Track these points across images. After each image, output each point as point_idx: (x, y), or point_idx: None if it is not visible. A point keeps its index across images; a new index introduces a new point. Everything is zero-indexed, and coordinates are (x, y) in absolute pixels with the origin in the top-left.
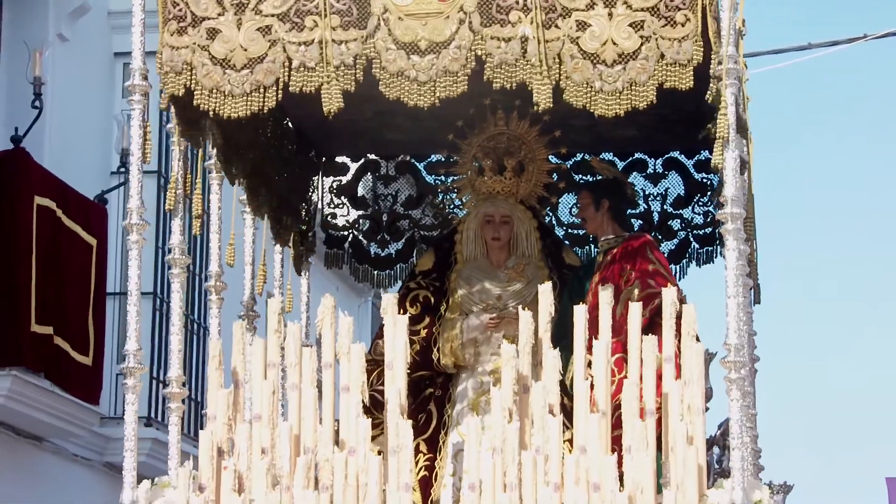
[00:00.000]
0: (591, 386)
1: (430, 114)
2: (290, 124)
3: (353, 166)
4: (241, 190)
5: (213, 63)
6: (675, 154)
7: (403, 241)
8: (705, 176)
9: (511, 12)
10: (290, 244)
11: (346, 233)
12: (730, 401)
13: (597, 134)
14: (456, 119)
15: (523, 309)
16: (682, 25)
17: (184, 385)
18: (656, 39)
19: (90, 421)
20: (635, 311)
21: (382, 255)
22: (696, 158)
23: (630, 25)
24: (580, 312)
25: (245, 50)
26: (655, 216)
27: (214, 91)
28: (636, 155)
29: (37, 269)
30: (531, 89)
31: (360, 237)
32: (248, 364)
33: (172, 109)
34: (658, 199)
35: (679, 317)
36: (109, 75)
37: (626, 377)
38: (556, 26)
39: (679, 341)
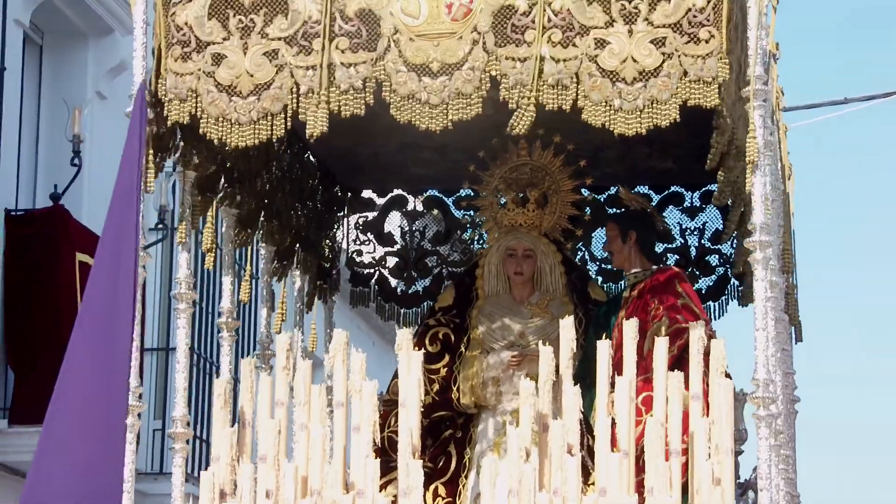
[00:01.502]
0: (614, 424)
1: (457, 146)
2: (311, 158)
3: (380, 202)
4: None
5: (219, 90)
6: (713, 187)
7: (431, 277)
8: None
9: (527, 31)
10: (302, 279)
11: (372, 270)
12: (758, 439)
13: (631, 165)
14: (480, 154)
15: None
16: (707, 42)
17: (188, 425)
18: (679, 56)
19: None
20: (661, 347)
21: (409, 292)
22: None
23: (651, 42)
24: (604, 348)
25: (251, 76)
26: (692, 251)
27: (221, 119)
28: (672, 188)
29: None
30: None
31: (387, 274)
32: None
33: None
34: (695, 233)
35: (708, 353)
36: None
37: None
38: (574, 45)
39: (707, 378)
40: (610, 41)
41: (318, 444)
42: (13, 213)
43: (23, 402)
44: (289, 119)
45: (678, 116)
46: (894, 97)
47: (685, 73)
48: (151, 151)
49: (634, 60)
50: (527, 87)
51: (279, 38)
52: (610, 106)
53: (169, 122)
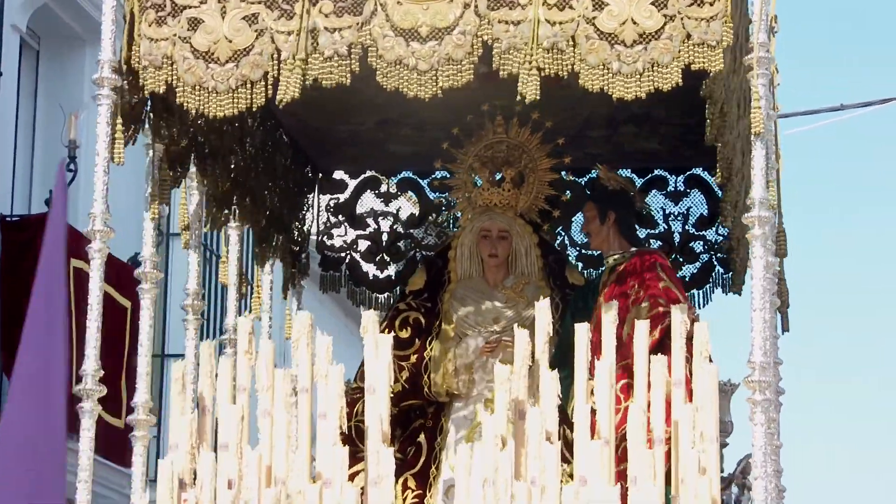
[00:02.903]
0: (594, 412)
1: (438, 123)
2: (284, 136)
3: (352, 183)
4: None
5: (196, 56)
6: (698, 171)
7: (404, 262)
8: None
9: None
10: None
11: (343, 254)
12: (753, 426)
13: (616, 146)
14: (454, 131)
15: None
16: (711, 5)
17: (150, 412)
18: (682, 19)
19: (122, 484)
20: (642, 330)
21: (381, 277)
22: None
23: (652, 4)
24: (582, 331)
25: (230, 41)
26: (676, 237)
27: (198, 87)
28: (656, 171)
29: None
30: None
31: (358, 258)
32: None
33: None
34: (679, 219)
35: (691, 338)
36: (143, 138)
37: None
38: (570, 7)
39: (690, 363)
40: (608, 2)
41: (282, 432)
42: (8, 219)
43: None
44: (269, 87)
45: (681, 80)
46: (891, 103)
47: (688, 36)
48: (121, 122)
49: (634, 22)
50: (521, 52)
51: (259, 2)
52: (608, 69)
53: (145, 92)
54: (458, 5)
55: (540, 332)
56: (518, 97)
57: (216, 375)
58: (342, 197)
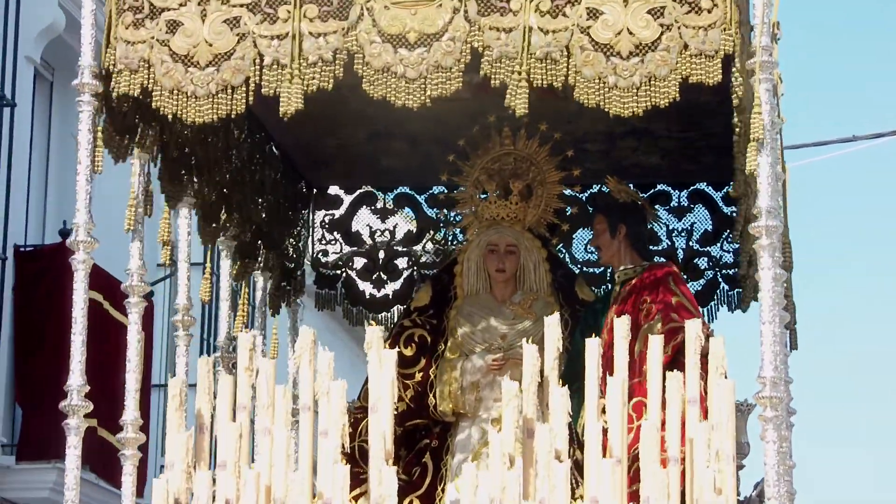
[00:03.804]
0: (605, 430)
1: (431, 137)
2: (274, 150)
3: (347, 199)
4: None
5: (174, 60)
6: (702, 186)
7: (402, 280)
8: (735, 210)
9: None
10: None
11: (338, 271)
12: (765, 444)
13: (615, 160)
14: (460, 143)
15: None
16: (709, 12)
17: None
18: (679, 28)
19: None
20: (655, 346)
21: (378, 295)
22: (724, 190)
23: (648, 13)
24: (593, 346)
25: (210, 45)
26: (680, 253)
27: (176, 92)
28: (659, 186)
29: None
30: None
31: (354, 276)
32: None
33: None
34: (683, 234)
35: (705, 354)
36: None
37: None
38: (564, 15)
39: (706, 381)
40: (603, 11)
41: (281, 450)
42: (23, 249)
43: (31, 438)
44: (251, 93)
45: (678, 95)
46: None
47: (685, 47)
48: (101, 129)
49: (630, 32)
50: (513, 61)
51: (242, 5)
52: (604, 83)
53: (116, 94)
54: (447, 10)
55: (549, 348)
56: (511, 108)
57: (213, 392)
58: (337, 213)
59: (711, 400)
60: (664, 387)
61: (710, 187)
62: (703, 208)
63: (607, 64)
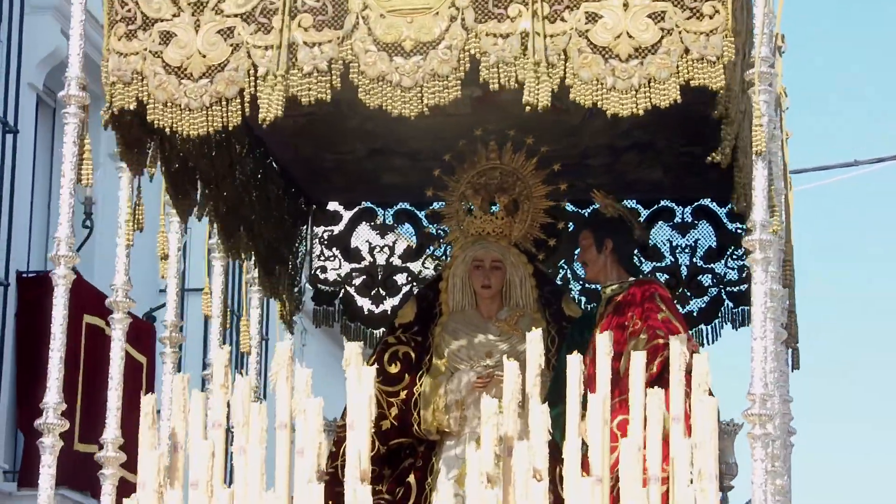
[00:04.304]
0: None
1: (430, 152)
2: (274, 164)
3: (347, 215)
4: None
5: (167, 72)
6: (706, 202)
7: (401, 296)
8: (739, 226)
9: (510, 6)
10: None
11: (336, 288)
12: (752, 461)
13: (618, 175)
14: (445, 157)
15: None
16: (711, 18)
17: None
18: (680, 32)
19: None
20: (638, 362)
21: (377, 312)
22: (729, 206)
23: (649, 17)
24: (574, 363)
25: (204, 56)
26: (683, 270)
27: (169, 104)
28: (662, 202)
29: (83, 387)
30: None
31: (353, 292)
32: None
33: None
34: (686, 251)
35: (690, 371)
36: (158, 195)
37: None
38: (563, 19)
39: (691, 399)
40: (603, 15)
41: (256, 469)
42: (25, 275)
43: (33, 465)
44: (246, 105)
45: (679, 97)
46: None
47: (686, 51)
48: (89, 142)
49: (630, 36)
50: (510, 66)
51: (235, 15)
52: (601, 84)
53: (113, 109)
54: (443, 18)
55: (531, 365)
56: (526, 108)
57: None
58: (336, 229)
59: (694, 417)
60: (647, 404)
61: (714, 203)
62: (708, 224)
63: (606, 66)
